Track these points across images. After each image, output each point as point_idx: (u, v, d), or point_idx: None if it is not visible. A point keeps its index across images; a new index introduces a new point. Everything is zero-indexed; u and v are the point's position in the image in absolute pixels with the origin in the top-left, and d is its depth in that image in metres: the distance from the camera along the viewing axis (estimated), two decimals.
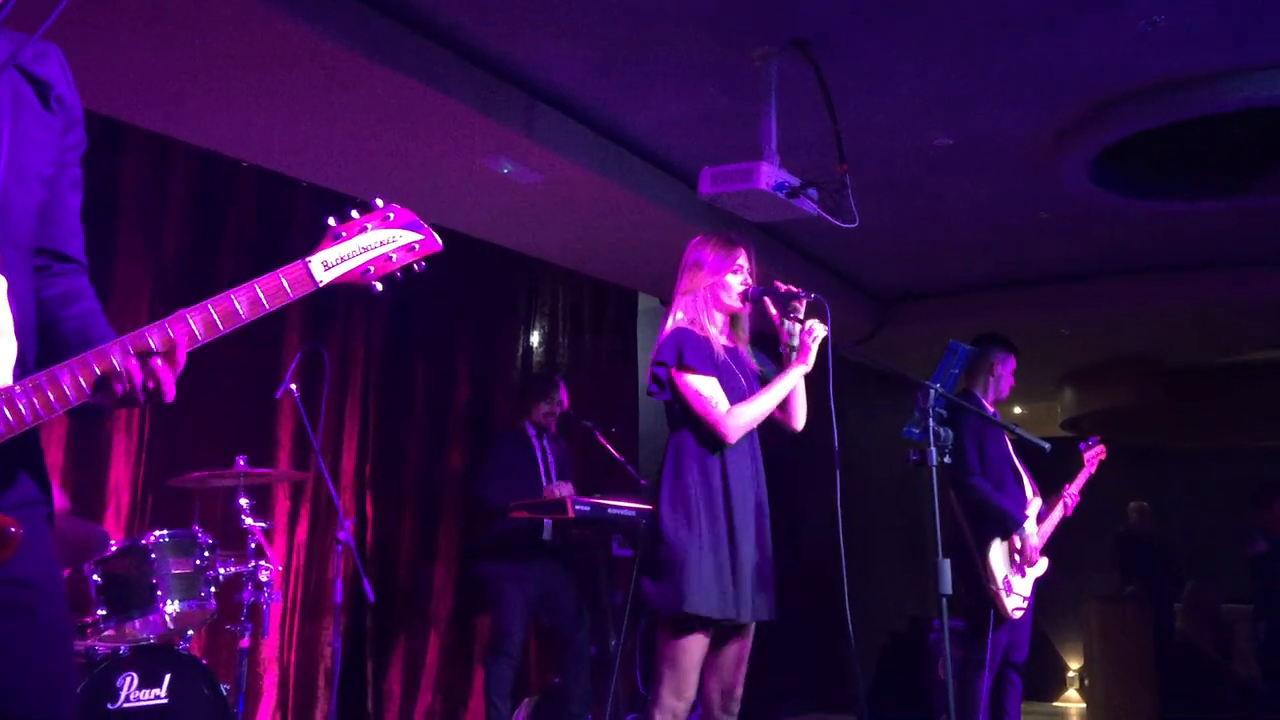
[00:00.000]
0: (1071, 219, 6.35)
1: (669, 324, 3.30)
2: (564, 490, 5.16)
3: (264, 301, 1.59)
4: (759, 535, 3.17)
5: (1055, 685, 11.10)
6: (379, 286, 1.68)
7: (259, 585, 3.98)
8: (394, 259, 1.68)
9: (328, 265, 1.63)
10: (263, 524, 4.10)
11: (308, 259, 1.62)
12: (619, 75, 4.65)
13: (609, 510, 5.07)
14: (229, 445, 4.30)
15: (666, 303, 7.05)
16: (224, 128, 4.67)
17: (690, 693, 3.09)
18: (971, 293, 7.93)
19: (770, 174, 4.13)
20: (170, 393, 1.56)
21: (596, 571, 5.55)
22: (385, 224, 1.68)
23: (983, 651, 4.62)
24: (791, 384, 3.25)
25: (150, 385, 1.54)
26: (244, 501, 4.07)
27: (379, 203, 1.69)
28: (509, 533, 5.30)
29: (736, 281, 3.29)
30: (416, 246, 1.70)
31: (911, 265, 7.46)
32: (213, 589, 3.84)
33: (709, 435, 3.14)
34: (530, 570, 5.35)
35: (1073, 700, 10.77)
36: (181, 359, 1.56)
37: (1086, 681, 9.50)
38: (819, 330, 3.26)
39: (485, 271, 6.41)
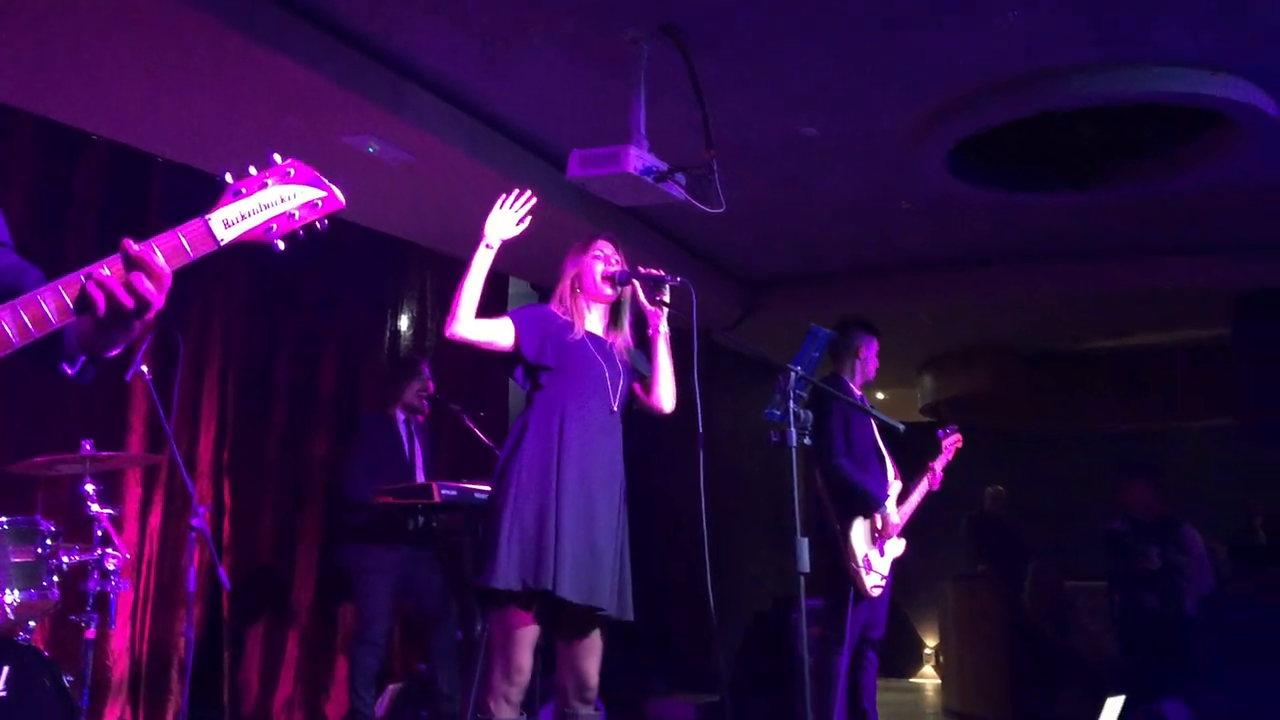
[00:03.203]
0: (932, 209, 6.53)
1: None
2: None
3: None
4: (607, 524, 3.17)
5: (912, 662, 11.46)
6: (281, 245, 1.62)
7: (105, 574, 3.83)
8: (297, 216, 1.62)
9: (228, 223, 1.56)
10: (110, 510, 3.94)
11: (207, 216, 1.55)
12: (489, 55, 4.60)
13: (475, 495, 5.03)
14: (75, 429, 4.12)
15: (537, 287, 7.03)
16: (72, 98, 4.45)
17: (522, 677, 3.08)
18: (839, 279, 8.09)
19: (638, 158, 4.14)
20: (158, 302, 1.49)
21: (461, 556, 5.50)
22: (286, 180, 1.62)
23: (841, 629, 4.73)
24: None
25: (130, 299, 1.46)
26: (90, 487, 3.90)
27: (278, 158, 1.63)
28: (373, 520, 5.21)
29: (599, 266, 3.32)
30: (319, 203, 1.65)
31: (780, 251, 7.57)
32: (55, 578, 3.67)
33: (549, 406, 3.18)
34: (395, 557, 5.27)
35: (928, 676, 11.13)
36: (162, 271, 1.48)
37: (941, 659, 9.83)
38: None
39: (351, 253, 6.27)
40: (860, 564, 4.76)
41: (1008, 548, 8.59)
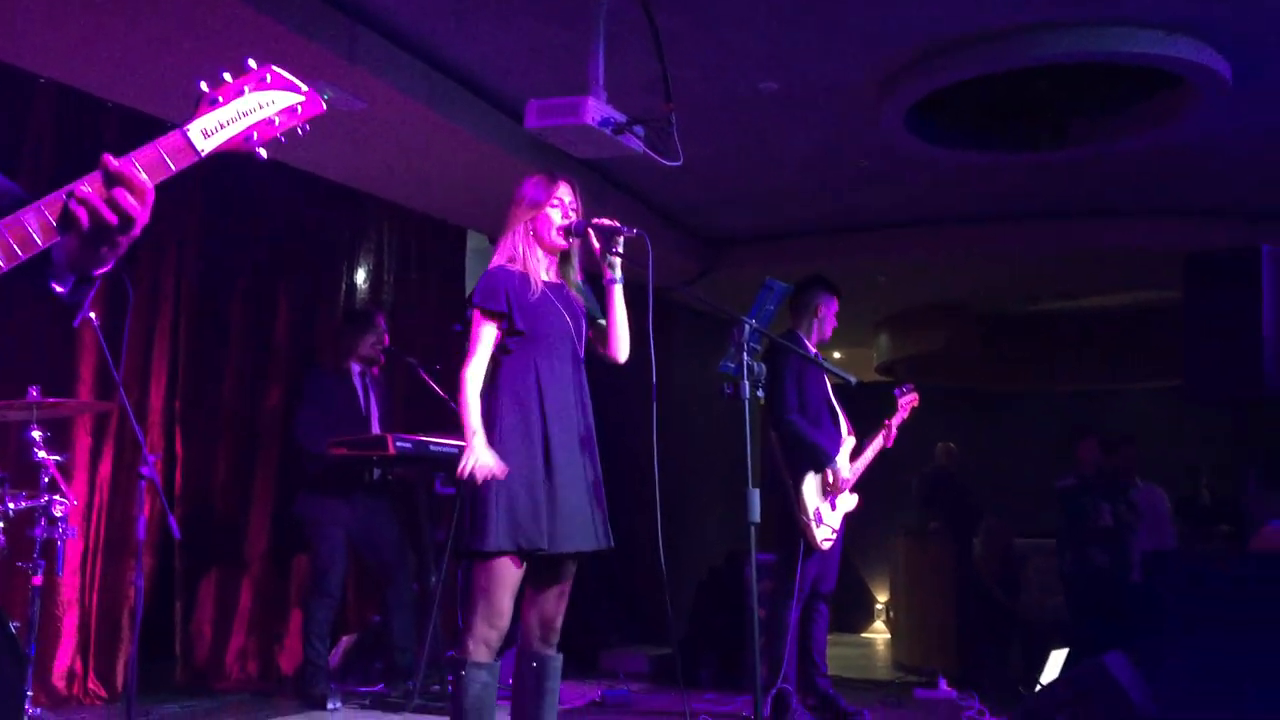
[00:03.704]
0: (890, 168, 6.54)
1: (491, 265, 3.31)
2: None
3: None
4: (585, 467, 3.20)
5: (864, 617, 11.64)
6: (264, 153, 1.59)
7: (53, 520, 3.79)
8: (277, 122, 1.59)
9: (207, 133, 1.53)
10: (57, 457, 3.89)
11: (185, 127, 1.52)
12: (447, 3, 4.53)
13: (431, 447, 5.04)
14: (21, 376, 4.06)
15: (495, 241, 6.99)
16: (18, 38, 4.35)
17: (503, 622, 3.11)
18: (796, 237, 8.10)
19: (596, 109, 4.10)
20: (142, 217, 1.47)
21: (417, 509, 5.51)
22: (263, 86, 1.59)
23: (792, 581, 4.80)
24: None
25: (113, 215, 1.44)
26: (36, 434, 3.85)
27: (252, 64, 1.59)
28: (328, 471, 5.20)
29: (556, 215, 3.28)
30: (299, 109, 1.61)
31: (738, 208, 7.56)
32: (1, 524, 3.64)
33: (521, 367, 3.16)
34: (350, 509, 5.28)
35: (879, 631, 11.31)
36: (144, 186, 1.46)
37: (892, 614, 9.98)
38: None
39: (308, 204, 6.19)
40: (811, 517, 4.82)
41: (959, 504, 8.70)
